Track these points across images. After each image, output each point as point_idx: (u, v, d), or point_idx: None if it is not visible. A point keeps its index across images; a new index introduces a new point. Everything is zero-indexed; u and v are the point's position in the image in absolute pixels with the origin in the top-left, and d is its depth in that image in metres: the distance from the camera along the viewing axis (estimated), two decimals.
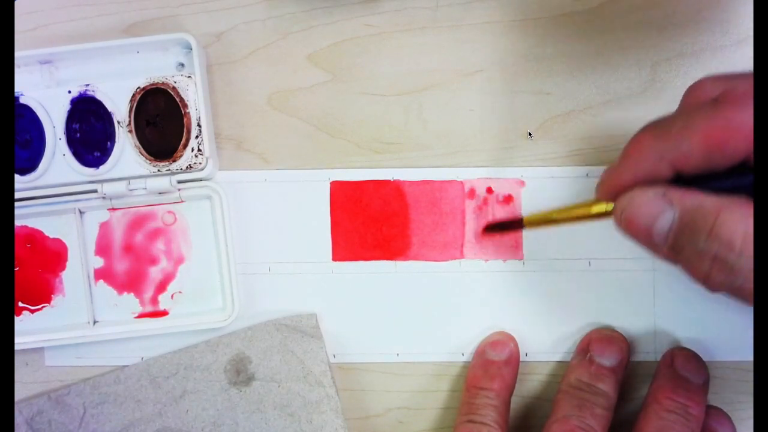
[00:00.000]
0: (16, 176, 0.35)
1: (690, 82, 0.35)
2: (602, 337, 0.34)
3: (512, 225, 0.35)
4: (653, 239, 0.26)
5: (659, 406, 0.32)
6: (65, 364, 0.36)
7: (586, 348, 0.34)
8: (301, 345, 0.35)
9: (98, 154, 0.35)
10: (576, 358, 0.34)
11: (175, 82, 0.35)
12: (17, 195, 0.35)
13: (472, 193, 0.36)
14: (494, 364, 0.34)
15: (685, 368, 0.33)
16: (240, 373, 0.35)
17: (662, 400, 0.32)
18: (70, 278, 0.36)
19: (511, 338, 0.35)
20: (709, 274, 0.24)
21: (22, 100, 0.35)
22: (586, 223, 0.31)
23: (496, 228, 0.35)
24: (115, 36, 0.36)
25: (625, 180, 0.27)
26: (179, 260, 0.36)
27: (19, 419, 0.35)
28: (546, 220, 0.33)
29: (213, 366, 0.35)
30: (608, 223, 0.35)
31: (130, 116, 0.35)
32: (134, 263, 0.36)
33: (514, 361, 0.34)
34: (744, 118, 0.24)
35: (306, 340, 0.35)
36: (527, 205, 0.35)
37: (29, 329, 0.36)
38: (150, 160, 0.35)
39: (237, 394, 0.35)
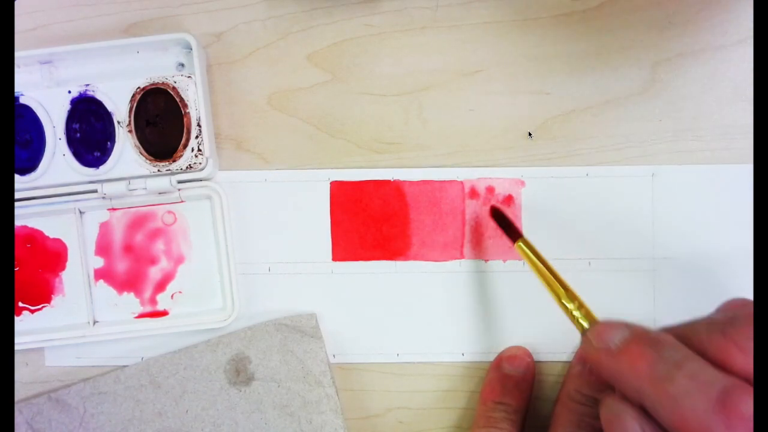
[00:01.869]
0: (16, 176, 0.35)
1: (690, 82, 0.35)
2: None
3: (511, 231, 0.34)
4: None
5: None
6: (65, 364, 0.36)
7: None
8: (301, 345, 0.35)
9: (98, 154, 0.35)
10: (575, 367, 0.34)
11: (175, 82, 0.35)
12: (17, 195, 0.35)
13: (472, 193, 0.36)
14: (511, 378, 0.34)
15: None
16: (240, 373, 0.35)
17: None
18: (70, 278, 0.36)
19: (528, 353, 0.35)
20: None
21: (22, 100, 0.35)
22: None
23: (499, 218, 0.34)
24: (115, 36, 0.36)
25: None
26: (179, 260, 0.36)
27: (19, 419, 0.35)
28: (534, 262, 0.32)
29: (213, 366, 0.35)
30: (608, 223, 0.35)
31: (130, 116, 0.35)
32: (134, 263, 0.36)
33: (530, 376, 0.35)
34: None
35: (306, 340, 0.35)
36: (527, 205, 0.36)
37: (29, 329, 0.36)
38: (150, 160, 0.35)
39: (237, 394, 0.35)
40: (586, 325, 0.29)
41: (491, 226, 0.36)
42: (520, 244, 0.32)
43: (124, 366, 0.36)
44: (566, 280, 0.36)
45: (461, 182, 0.36)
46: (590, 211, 0.35)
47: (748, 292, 0.35)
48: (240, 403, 0.35)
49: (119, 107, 0.35)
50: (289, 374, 0.35)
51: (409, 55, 0.36)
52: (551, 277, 0.31)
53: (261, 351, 0.35)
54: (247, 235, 0.36)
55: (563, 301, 0.30)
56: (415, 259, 0.36)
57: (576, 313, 0.30)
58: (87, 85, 0.35)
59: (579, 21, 0.35)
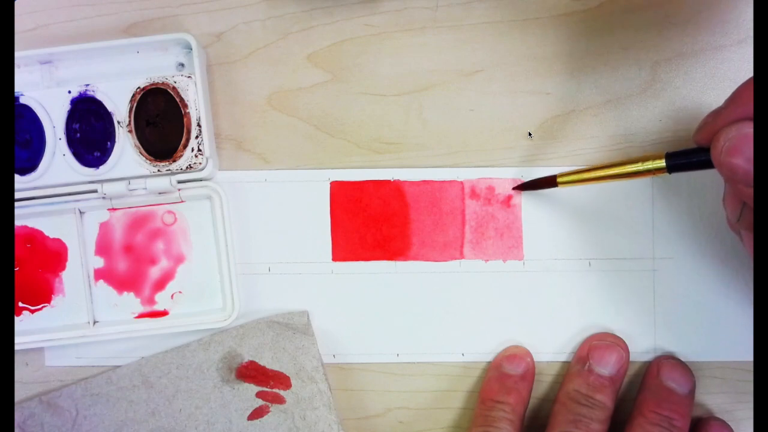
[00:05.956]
0: (16, 176, 0.35)
1: (690, 83, 0.35)
2: (602, 344, 0.34)
3: (545, 183, 0.34)
4: (753, 173, 0.25)
5: (644, 419, 0.32)
6: (65, 364, 0.36)
7: (585, 356, 0.34)
8: (293, 342, 0.35)
9: (98, 154, 0.35)
10: (575, 367, 0.34)
11: (175, 82, 0.35)
12: (17, 195, 0.35)
13: (472, 193, 0.36)
14: (511, 378, 0.34)
15: (670, 378, 0.33)
16: (232, 371, 0.35)
17: (647, 414, 0.32)
18: (70, 278, 0.36)
19: (528, 353, 0.35)
20: None
21: (22, 100, 0.35)
22: (629, 180, 0.32)
23: (528, 186, 0.35)
24: (115, 36, 0.36)
25: (735, 120, 0.26)
26: (179, 260, 0.36)
27: None
28: (584, 178, 0.32)
29: (205, 364, 0.35)
30: (608, 223, 0.35)
31: (130, 116, 0.35)
32: (134, 263, 0.36)
33: (530, 376, 0.35)
34: None
35: (298, 337, 0.35)
36: (527, 205, 0.36)
37: (29, 329, 0.36)
38: (150, 160, 0.35)
39: (230, 392, 0.35)
40: (661, 163, 0.29)
41: (491, 226, 0.36)
42: (561, 181, 0.33)
43: (116, 367, 0.36)
44: (567, 279, 0.36)
45: (461, 182, 0.36)
46: (590, 211, 0.35)
47: (748, 292, 0.35)
48: (233, 400, 0.35)
49: (119, 107, 0.35)
50: (281, 371, 0.35)
51: (409, 55, 0.36)
52: (606, 174, 0.31)
53: (253, 348, 0.35)
54: (247, 235, 0.36)
55: (632, 171, 0.30)
56: (415, 259, 0.36)
57: (649, 165, 0.30)
58: (87, 85, 0.35)
59: (579, 21, 0.35)
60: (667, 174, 0.30)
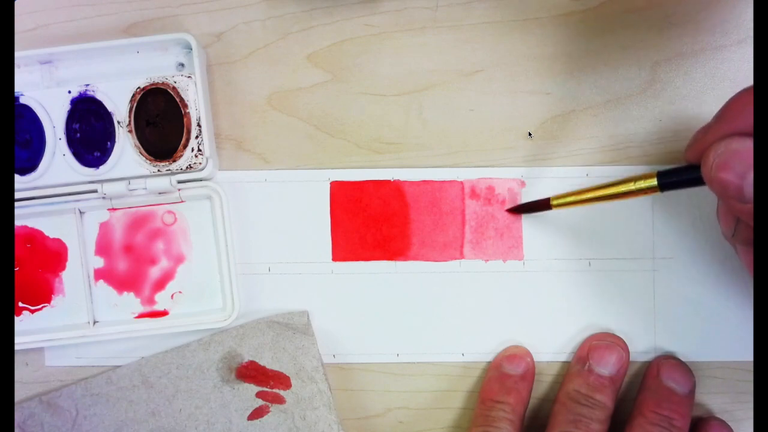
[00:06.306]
0: (16, 176, 0.35)
1: (690, 83, 0.35)
2: (602, 344, 0.34)
3: (539, 206, 0.34)
4: (744, 189, 0.25)
5: (644, 419, 0.32)
6: (65, 364, 0.36)
7: (585, 356, 0.34)
8: (293, 342, 0.35)
9: (98, 154, 0.35)
10: (575, 367, 0.34)
11: (175, 82, 0.35)
12: (17, 195, 0.35)
13: (472, 193, 0.36)
14: (510, 378, 0.34)
15: (670, 378, 0.33)
16: (232, 371, 0.35)
17: (647, 414, 0.32)
18: (70, 278, 0.36)
19: (528, 353, 0.35)
20: None
21: (22, 100, 0.35)
22: (622, 201, 0.32)
23: (521, 209, 0.35)
24: (115, 36, 0.36)
25: (724, 135, 0.26)
26: (179, 260, 0.36)
27: None
28: (577, 200, 0.32)
29: (205, 364, 0.35)
30: (608, 223, 0.35)
31: (130, 116, 0.35)
32: (134, 263, 0.36)
33: (529, 376, 0.35)
34: None
35: (298, 337, 0.35)
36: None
37: (29, 329, 0.36)
38: (150, 160, 0.35)
39: (230, 392, 0.35)
40: (653, 182, 0.29)
41: (491, 226, 0.36)
42: (555, 203, 0.33)
43: (116, 366, 0.36)
44: (567, 279, 0.36)
45: (461, 182, 0.36)
46: (590, 211, 0.35)
47: (748, 292, 0.35)
48: (233, 400, 0.35)
49: (119, 107, 0.35)
50: (281, 371, 0.35)
51: (409, 55, 0.36)
52: (599, 195, 0.31)
53: (253, 348, 0.35)
54: (247, 235, 0.36)
55: (623, 191, 0.30)
56: (415, 259, 0.36)
57: (641, 185, 0.30)
58: (87, 85, 0.35)
59: (579, 21, 0.35)
60: (659, 193, 0.29)
